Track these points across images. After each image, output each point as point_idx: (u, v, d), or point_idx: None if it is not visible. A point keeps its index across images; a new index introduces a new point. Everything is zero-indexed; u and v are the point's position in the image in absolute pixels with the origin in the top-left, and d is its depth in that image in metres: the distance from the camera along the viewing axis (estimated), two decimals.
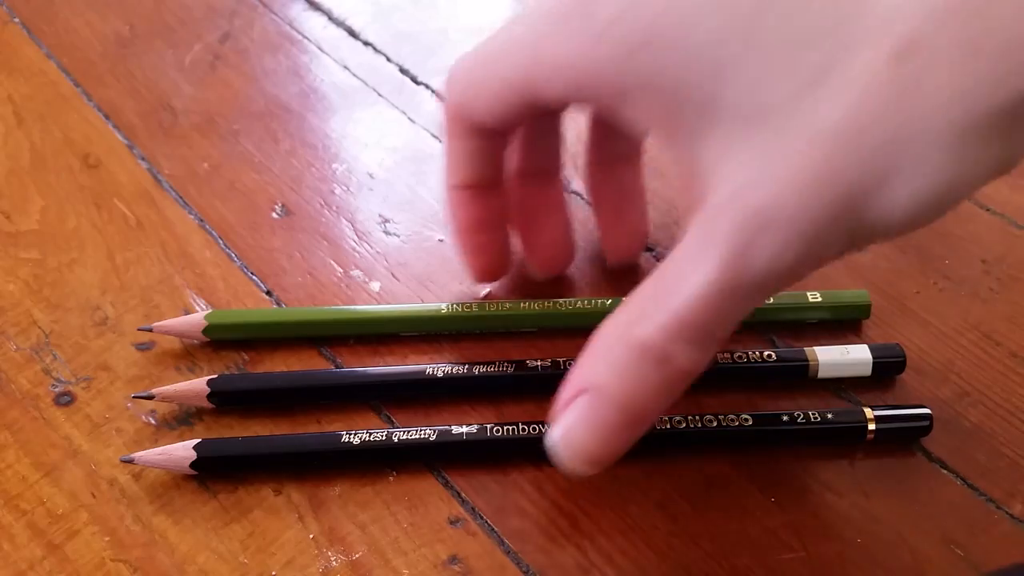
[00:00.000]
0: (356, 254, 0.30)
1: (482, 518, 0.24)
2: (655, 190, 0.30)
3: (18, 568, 0.22)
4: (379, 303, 0.28)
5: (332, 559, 0.23)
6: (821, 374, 0.26)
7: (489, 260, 0.27)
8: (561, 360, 0.26)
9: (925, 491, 0.24)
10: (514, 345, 0.27)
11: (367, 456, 0.24)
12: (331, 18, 0.38)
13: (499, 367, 0.26)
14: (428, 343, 0.27)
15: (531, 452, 0.24)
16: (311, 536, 0.23)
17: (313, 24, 0.38)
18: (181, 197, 0.31)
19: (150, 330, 0.26)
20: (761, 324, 0.28)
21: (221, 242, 0.30)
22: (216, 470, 0.24)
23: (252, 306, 0.28)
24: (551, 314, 0.27)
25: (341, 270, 0.29)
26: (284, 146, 0.33)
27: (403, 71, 0.36)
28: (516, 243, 0.28)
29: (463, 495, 0.24)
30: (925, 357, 0.27)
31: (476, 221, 0.26)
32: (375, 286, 0.29)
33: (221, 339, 0.27)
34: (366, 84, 0.36)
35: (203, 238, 0.30)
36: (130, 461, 0.23)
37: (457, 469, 0.24)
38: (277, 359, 0.27)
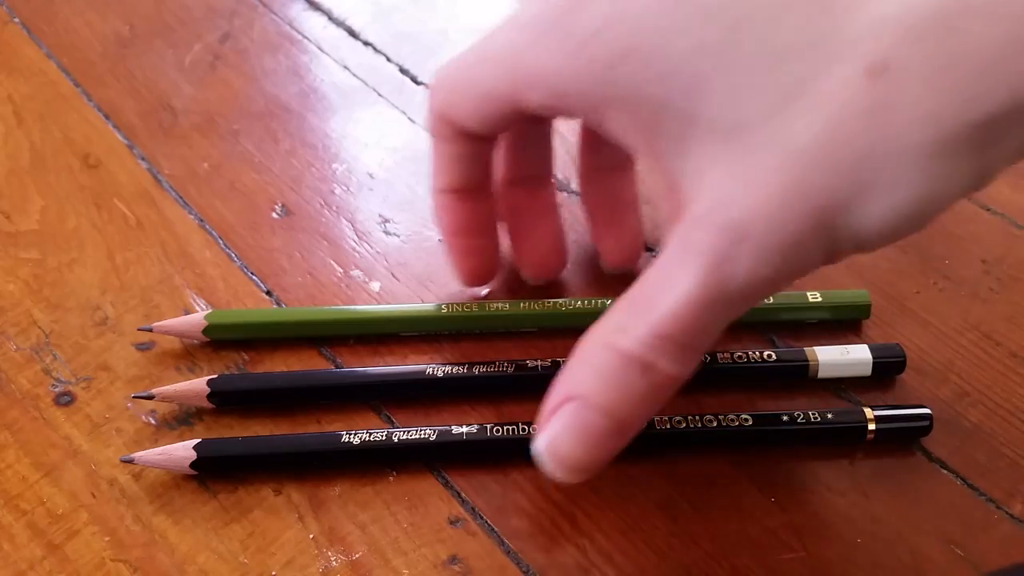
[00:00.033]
0: (356, 254, 0.30)
1: (482, 518, 0.24)
2: (657, 190, 0.30)
3: (18, 568, 0.22)
4: (379, 303, 0.28)
5: (332, 559, 0.23)
6: (821, 374, 0.26)
7: (478, 263, 0.27)
8: (561, 360, 0.26)
9: (925, 491, 0.24)
10: (514, 345, 0.27)
11: (367, 456, 0.24)
12: (331, 18, 0.38)
13: (499, 367, 0.26)
14: (428, 343, 0.27)
15: (531, 452, 0.23)
16: (311, 536, 0.23)
17: (313, 24, 0.38)
18: (181, 197, 0.31)
19: (150, 330, 0.26)
20: (761, 324, 0.28)
21: (221, 242, 0.30)
22: (216, 470, 0.24)
23: (252, 306, 0.28)
24: (551, 314, 0.27)
25: (341, 270, 0.29)
26: (284, 146, 0.33)
27: (403, 71, 0.36)
28: (507, 246, 0.28)
29: (463, 495, 0.24)
30: (925, 357, 0.27)
31: (464, 225, 0.26)
32: (375, 286, 0.29)
33: (221, 339, 0.27)
34: (366, 84, 0.36)
35: (203, 238, 0.30)
36: (130, 461, 0.23)
37: (457, 469, 0.24)
38: (277, 359, 0.27)
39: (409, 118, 0.34)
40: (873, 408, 0.25)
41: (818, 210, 0.17)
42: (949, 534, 0.23)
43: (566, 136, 0.31)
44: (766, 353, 0.26)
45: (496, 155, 0.25)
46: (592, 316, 0.27)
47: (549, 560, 0.23)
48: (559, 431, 0.20)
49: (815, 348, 0.26)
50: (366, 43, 0.37)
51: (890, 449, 0.25)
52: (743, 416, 0.25)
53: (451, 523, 0.23)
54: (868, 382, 0.26)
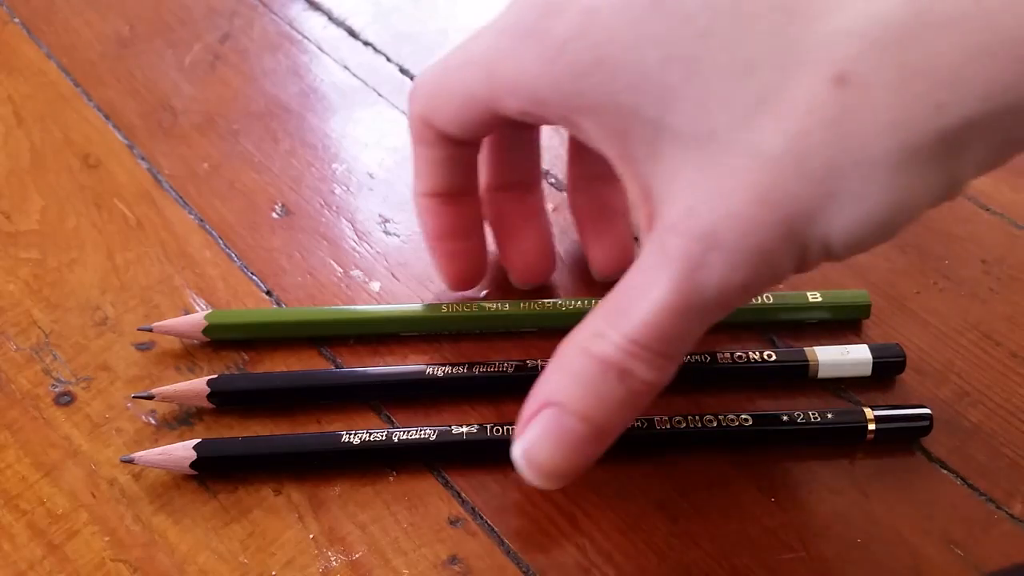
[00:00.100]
0: (356, 254, 0.30)
1: (482, 518, 0.24)
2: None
3: (18, 568, 0.22)
4: (379, 303, 0.28)
5: (332, 559, 0.23)
6: (821, 374, 0.26)
7: (463, 267, 0.27)
8: None
9: (925, 491, 0.24)
10: (514, 345, 0.27)
11: (367, 456, 0.24)
12: (331, 18, 0.38)
13: (499, 367, 0.26)
14: (428, 343, 0.27)
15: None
16: (311, 536, 0.23)
17: (313, 24, 0.38)
18: (181, 197, 0.31)
19: (150, 330, 0.26)
20: (761, 324, 0.28)
21: (221, 242, 0.30)
22: (216, 470, 0.24)
23: (252, 306, 0.28)
24: (551, 314, 0.27)
25: (341, 270, 0.29)
26: (284, 146, 0.33)
27: (403, 71, 0.36)
28: (495, 250, 0.28)
29: (463, 495, 0.24)
30: (925, 357, 0.27)
31: (447, 229, 0.26)
32: (375, 286, 0.29)
33: (221, 339, 0.27)
34: (366, 84, 0.36)
35: (203, 238, 0.30)
36: (130, 461, 0.23)
37: (457, 469, 0.24)
38: (277, 359, 0.27)
39: None
40: (873, 408, 0.25)
41: (787, 218, 0.17)
42: (949, 534, 0.23)
43: (566, 137, 0.31)
44: (766, 353, 0.26)
45: (481, 160, 0.25)
46: None
47: (549, 560, 0.23)
48: (536, 437, 0.20)
49: (815, 348, 0.26)
50: (366, 43, 0.37)
51: (890, 449, 0.25)
52: (743, 416, 0.25)
53: (451, 523, 0.23)
54: (868, 382, 0.26)
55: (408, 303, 0.28)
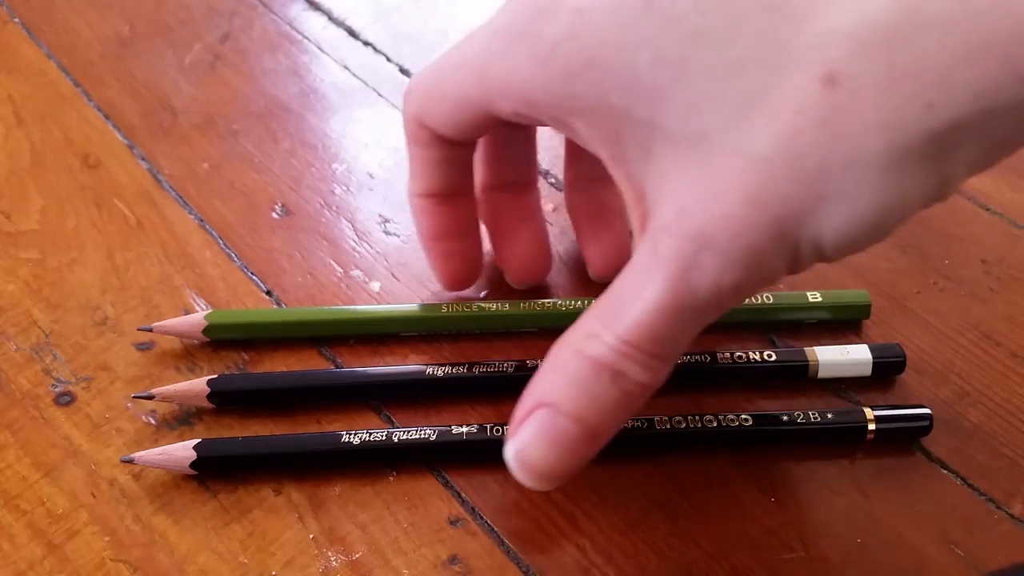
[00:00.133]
0: (356, 254, 0.30)
1: (482, 518, 0.24)
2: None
3: (18, 568, 0.22)
4: (379, 303, 0.28)
5: (332, 559, 0.23)
6: (821, 374, 0.26)
7: (458, 267, 0.27)
8: None
9: (925, 491, 0.24)
10: (514, 345, 0.27)
11: (367, 456, 0.24)
12: (331, 18, 0.38)
13: (499, 367, 0.26)
14: (428, 343, 0.27)
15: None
16: (311, 536, 0.23)
17: (313, 24, 0.38)
18: (181, 197, 0.31)
19: (150, 330, 0.26)
20: (761, 324, 0.28)
21: (221, 242, 0.30)
22: (216, 470, 0.24)
23: (252, 306, 0.28)
24: (551, 314, 0.27)
25: (341, 270, 0.29)
26: (284, 146, 0.33)
27: (403, 71, 0.36)
28: (491, 250, 0.28)
29: (463, 495, 0.24)
30: (925, 357, 0.27)
31: (443, 229, 0.26)
32: (375, 286, 0.29)
33: (221, 339, 0.27)
34: (366, 84, 0.36)
35: (203, 238, 0.30)
36: (130, 461, 0.23)
37: (457, 469, 0.24)
38: (277, 359, 0.27)
39: None
40: (873, 408, 0.25)
41: (778, 219, 0.17)
42: (949, 534, 0.23)
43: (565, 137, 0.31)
44: (766, 353, 0.26)
45: (476, 160, 0.25)
46: None
47: (549, 560, 0.23)
48: (529, 438, 0.20)
49: (815, 348, 0.26)
50: (366, 43, 0.37)
51: (890, 449, 0.25)
52: (743, 416, 0.25)
53: (451, 523, 0.23)
54: (868, 382, 0.26)
55: (408, 303, 0.28)
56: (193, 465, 0.23)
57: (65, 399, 0.26)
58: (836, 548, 0.23)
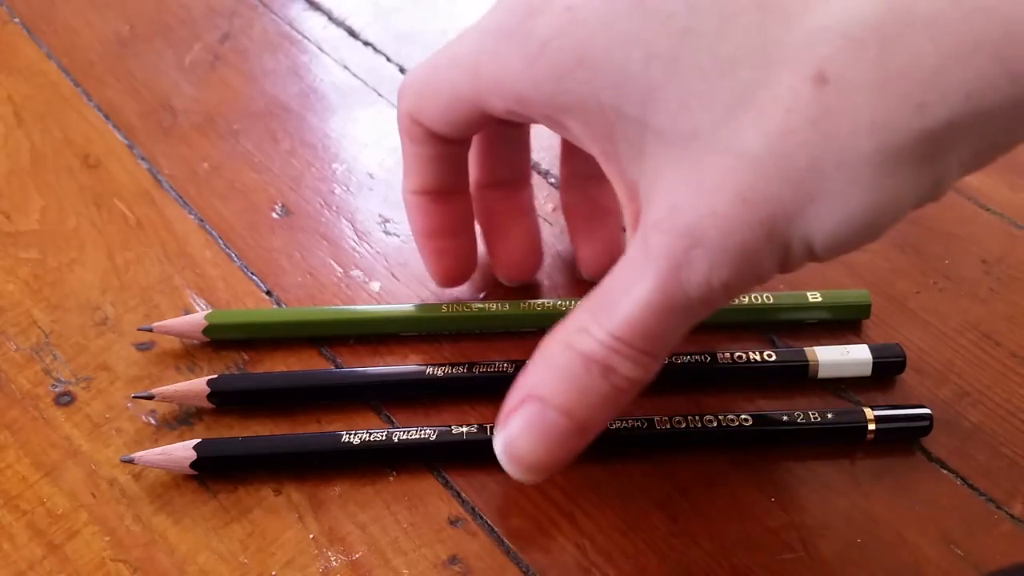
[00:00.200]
0: (356, 254, 0.30)
1: (482, 518, 0.24)
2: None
3: (18, 568, 0.22)
4: (379, 303, 0.28)
5: (332, 559, 0.23)
6: (821, 374, 0.26)
7: (452, 265, 0.27)
8: None
9: (925, 491, 0.24)
10: (514, 345, 0.27)
11: (367, 456, 0.24)
12: (331, 18, 0.38)
13: (499, 367, 0.26)
14: (428, 343, 0.27)
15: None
16: (311, 536, 0.23)
17: (313, 24, 0.38)
18: (181, 197, 0.31)
19: (150, 330, 0.26)
20: (761, 324, 0.28)
21: (221, 242, 0.30)
22: (216, 470, 0.24)
23: (252, 306, 0.28)
24: (551, 314, 0.27)
25: (341, 270, 0.29)
26: (284, 146, 0.33)
27: (403, 71, 0.36)
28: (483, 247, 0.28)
29: (463, 495, 0.24)
30: (925, 357, 0.27)
31: (436, 226, 0.26)
32: (375, 286, 0.29)
33: (221, 339, 0.27)
34: (366, 84, 0.36)
35: (203, 238, 0.30)
36: (130, 461, 0.23)
37: (457, 469, 0.24)
38: (277, 359, 0.27)
39: None
40: (873, 408, 0.25)
41: (769, 218, 0.17)
42: (949, 534, 0.23)
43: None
44: (766, 353, 0.26)
45: (470, 157, 0.25)
46: None
47: (549, 560, 0.23)
48: (518, 430, 0.20)
49: (815, 348, 0.26)
50: (366, 43, 0.37)
51: (890, 449, 0.25)
52: (743, 416, 0.25)
53: (451, 523, 0.23)
54: (868, 382, 0.26)
55: (408, 303, 0.28)
56: (193, 465, 0.23)
57: (65, 399, 0.26)
58: (836, 548, 0.23)
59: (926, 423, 0.25)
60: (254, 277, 0.29)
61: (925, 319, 0.28)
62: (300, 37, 0.38)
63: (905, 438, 0.25)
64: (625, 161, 0.19)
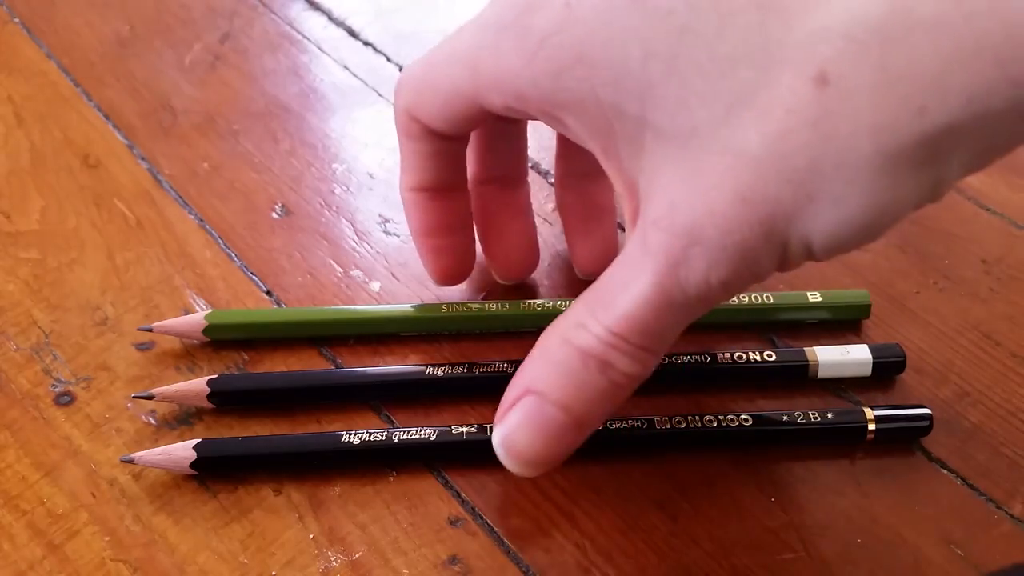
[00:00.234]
0: (356, 254, 0.30)
1: (482, 518, 0.24)
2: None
3: (18, 568, 0.22)
4: (379, 303, 0.28)
5: (332, 559, 0.23)
6: (821, 374, 0.26)
7: (450, 263, 0.27)
8: None
9: (925, 491, 0.24)
10: (514, 345, 0.27)
11: (367, 456, 0.24)
12: (331, 18, 0.38)
13: (499, 367, 0.26)
14: (428, 343, 0.27)
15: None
16: (311, 536, 0.23)
17: (313, 24, 0.38)
18: (181, 197, 0.31)
19: (150, 330, 0.26)
20: (761, 324, 0.28)
21: (221, 242, 0.30)
22: (216, 470, 0.24)
23: (252, 306, 0.28)
24: (551, 314, 0.27)
25: (341, 270, 0.29)
26: (284, 146, 0.33)
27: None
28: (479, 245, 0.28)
29: (463, 495, 0.24)
30: (925, 357, 0.27)
31: (434, 224, 0.26)
32: (375, 286, 0.29)
33: (221, 339, 0.27)
34: (366, 84, 0.36)
35: (203, 238, 0.30)
36: (130, 461, 0.23)
37: (457, 469, 0.24)
38: (277, 359, 0.27)
39: None
40: (873, 408, 0.25)
41: (767, 218, 0.17)
42: (949, 534, 0.23)
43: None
44: (766, 353, 0.26)
45: (468, 153, 0.25)
46: None
47: (549, 560, 0.23)
48: (516, 424, 0.20)
49: (815, 348, 0.26)
50: (366, 43, 0.37)
51: (890, 449, 0.25)
52: (743, 416, 0.25)
53: (451, 523, 0.23)
54: (868, 382, 0.26)
55: (408, 303, 0.28)
56: (193, 465, 0.23)
57: (65, 399, 0.26)
58: (836, 548, 0.23)
59: (926, 423, 0.25)
60: (254, 277, 0.29)
61: (925, 319, 0.28)
62: (300, 37, 0.38)
63: (905, 438, 0.25)
64: (624, 158, 0.19)
